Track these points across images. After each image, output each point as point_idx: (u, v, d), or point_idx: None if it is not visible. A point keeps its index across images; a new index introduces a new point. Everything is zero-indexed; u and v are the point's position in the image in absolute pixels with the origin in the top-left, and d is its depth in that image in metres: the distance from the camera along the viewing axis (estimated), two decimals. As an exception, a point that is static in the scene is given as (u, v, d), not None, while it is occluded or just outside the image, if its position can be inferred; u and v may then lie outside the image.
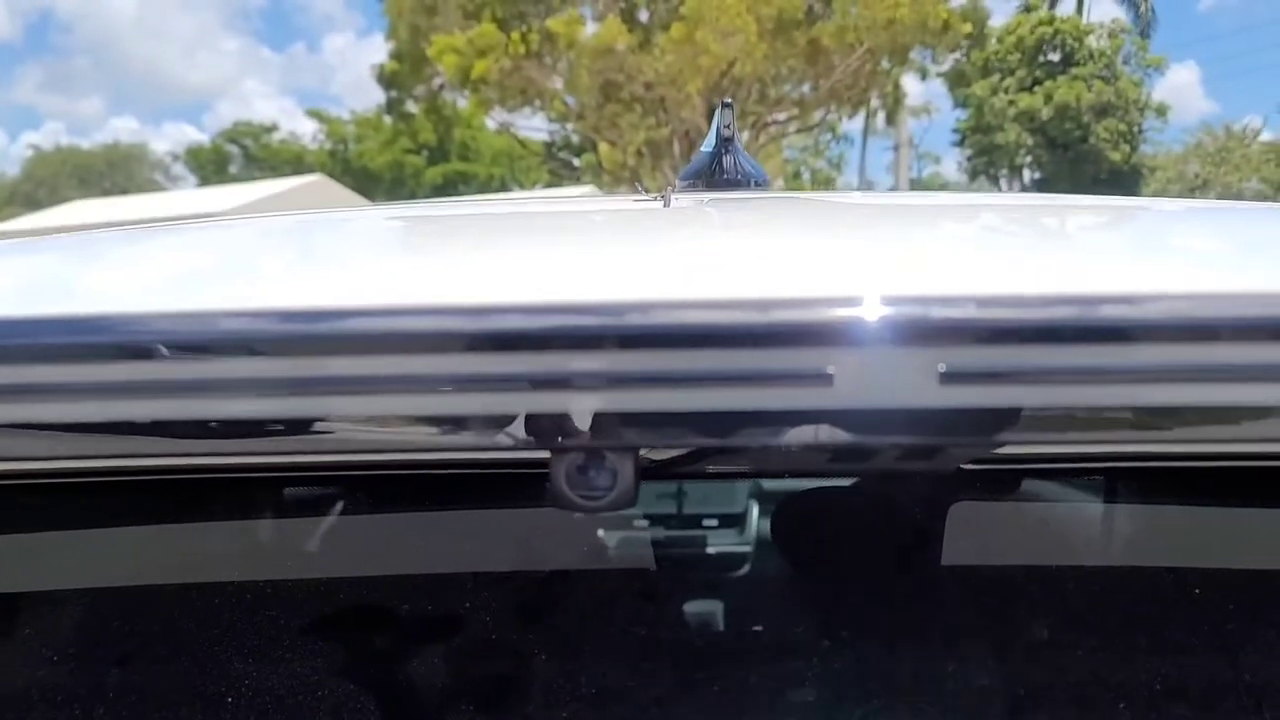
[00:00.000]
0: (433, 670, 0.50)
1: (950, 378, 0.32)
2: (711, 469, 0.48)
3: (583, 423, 0.34)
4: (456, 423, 0.34)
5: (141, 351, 0.33)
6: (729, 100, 1.04)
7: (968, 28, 13.44)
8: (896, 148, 19.26)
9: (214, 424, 0.34)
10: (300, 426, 0.35)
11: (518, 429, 0.34)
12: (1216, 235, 0.55)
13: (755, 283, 0.36)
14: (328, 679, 0.48)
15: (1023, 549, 0.56)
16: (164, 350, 0.33)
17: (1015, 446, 0.36)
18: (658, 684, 0.47)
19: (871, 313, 0.33)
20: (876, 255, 0.42)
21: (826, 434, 0.34)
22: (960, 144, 22.05)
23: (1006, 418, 0.33)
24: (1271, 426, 0.34)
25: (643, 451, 0.41)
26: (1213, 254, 0.47)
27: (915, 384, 0.32)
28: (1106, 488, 0.56)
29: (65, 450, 0.36)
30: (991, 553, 0.55)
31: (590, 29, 12.99)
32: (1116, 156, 19.70)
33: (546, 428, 0.34)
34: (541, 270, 0.41)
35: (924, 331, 0.32)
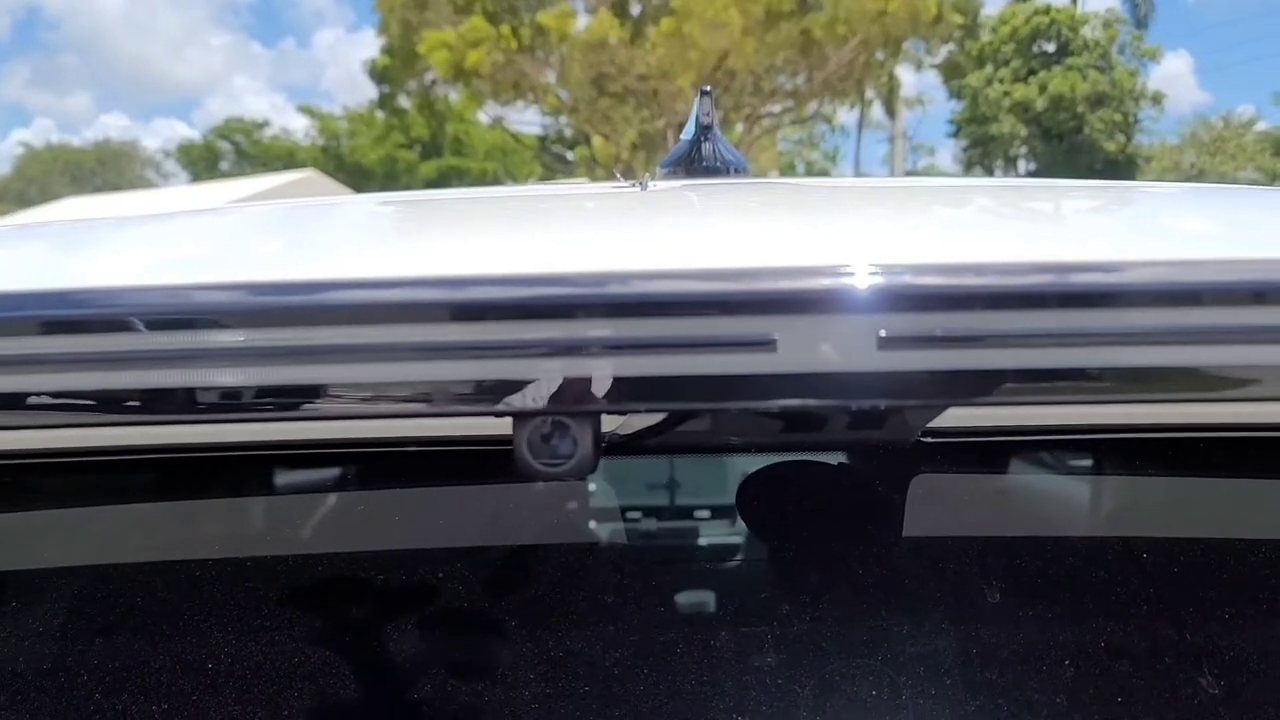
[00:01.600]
0: (416, 646, 0.51)
1: (889, 342, 0.34)
2: (673, 443, 0.50)
3: (541, 389, 0.36)
4: (422, 390, 0.36)
5: (130, 323, 0.35)
6: (708, 88, 1.05)
7: (959, 18, 13.45)
8: (891, 140, 19.25)
9: (197, 401, 0.36)
10: (274, 395, 0.36)
11: (479, 396, 0.36)
12: (1157, 210, 0.57)
13: (708, 255, 0.38)
14: (311, 650, 0.50)
15: (986, 521, 0.58)
16: (151, 322, 0.35)
17: (956, 410, 0.38)
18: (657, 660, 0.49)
19: (812, 282, 0.34)
20: (826, 230, 0.44)
21: (773, 397, 0.35)
22: (955, 135, 22.07)
23: (945, 380, 0.35)
24: (1208, 391, 0.35)
25: (606, 428, 0.42)
26: (1147, 226, 0.49)
27: (856, 348, 0.34)
28: (1056, 459, 0.58)
29: (60, 422, 0.37)
30: (955, 524, 0.57)
31: (583, 22, 12.96)
32: (1112, 147, 19.73)
33: (507, 394, 0.36)
34: (505, 245, 0.43)
35: (863, 299, 0.34)
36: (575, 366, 0.35)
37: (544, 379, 0.35)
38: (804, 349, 0.34)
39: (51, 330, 0.35)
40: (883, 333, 0.34)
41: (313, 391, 0.35)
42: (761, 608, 0.51)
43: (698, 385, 0.35)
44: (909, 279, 0.34)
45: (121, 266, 0.44)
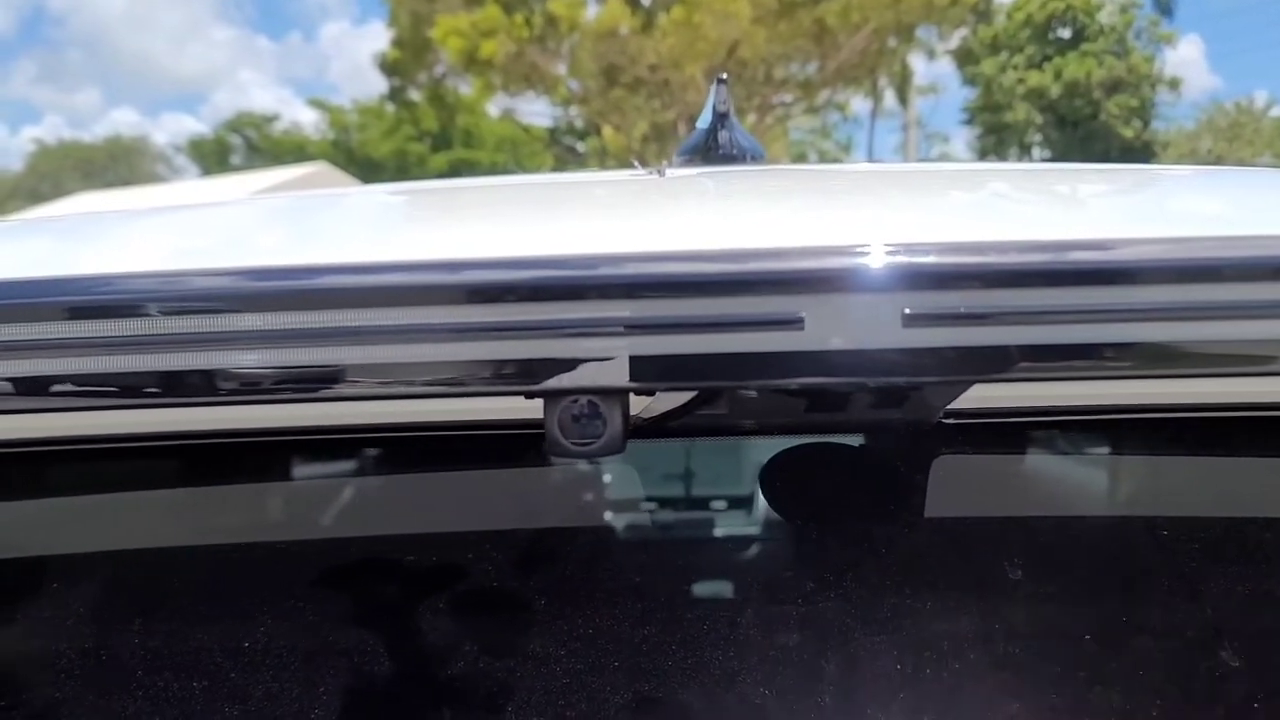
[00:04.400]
0: (449, 625, 0.52)
1: (914, 320, 0.34)
2: (698, 424, 0.50)
3: (573, 369, 0.36)
4: (459, 371, 0.37)
5: (198, 305, 0.36)
6: (724, 76, 1.06)
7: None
8: (905, 128, 19.09)
9: (221, 385, 0.37)
10: (308, 378, 0.37)
11: (512, 376, 0.37)
12: (1166, 191, 0.57)
13: (735, 237, 0.38)
14: (345, 631, 0.51)
15: (1007, 501, 0.58)
16: (179, 305, 0.36)
17: (977, 391, 0.38)
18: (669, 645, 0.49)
19: (840, 260, 0.35)
20: (848, 212, 0.44)
21: (801, 375, 0.36)
22: (969, 123, 21.86)
23: (969, 357, 0.35)
24: (1232, 366, 0.35)
25: (634, 412, 0.43)
26: (1156, 207, 0.49)
27: (882, 326, 0.35)
28: (1076, 439, 0.58)
29: (83, 405, 0.39)
30: (977, 505, 0.57)
31: (593, 11, 12.93)
32: (1128, 133, 19.48)
33: (539, 374, 0.37)
34: (535, 230, 0.43)
35: (889, 277, 0.34)
36: (606, 346, 0.36)
37: (576, 359, 0.36)
38: (831, 327, 0.35)
39: (63, 316, 0.36)
40: (908, 310, 0.35)
41: (354, 372, 0.36)
42: (786, 587, 0.52)
43: (727, 363, 0.36)
44: (934, 257, 0.34)
45: (192, 250, 0.45)
